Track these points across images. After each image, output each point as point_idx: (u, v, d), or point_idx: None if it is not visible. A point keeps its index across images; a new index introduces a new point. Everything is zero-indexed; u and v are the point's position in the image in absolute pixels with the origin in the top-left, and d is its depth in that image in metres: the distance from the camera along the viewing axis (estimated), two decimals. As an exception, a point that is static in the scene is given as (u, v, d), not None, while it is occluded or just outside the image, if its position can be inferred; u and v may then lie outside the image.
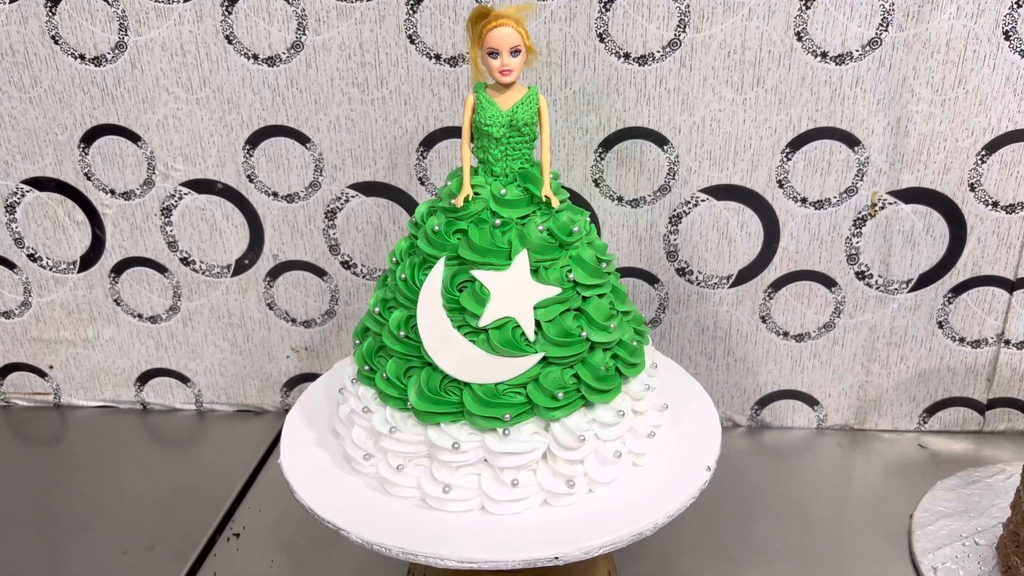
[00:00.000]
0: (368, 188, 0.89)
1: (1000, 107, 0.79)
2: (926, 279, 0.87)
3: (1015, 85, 0.78)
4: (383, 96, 0.84)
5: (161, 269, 0.95)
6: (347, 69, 0.84)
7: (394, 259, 0.63)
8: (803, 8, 0.77)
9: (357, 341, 0.67)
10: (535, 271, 0.58)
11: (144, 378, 1.02)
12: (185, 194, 0.91)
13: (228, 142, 0.88)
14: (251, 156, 0.89)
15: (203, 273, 0.95)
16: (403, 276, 0.60)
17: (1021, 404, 0.92)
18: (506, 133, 0.60)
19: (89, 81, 0.87)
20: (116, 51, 0.85)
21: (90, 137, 0.89)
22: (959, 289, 0.87)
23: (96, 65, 0.86)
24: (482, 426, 0.58)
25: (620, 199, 0.86)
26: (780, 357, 0.92)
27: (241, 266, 0.94)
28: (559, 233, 0.59)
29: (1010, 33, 0.76)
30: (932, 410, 0.93)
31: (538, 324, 0.58)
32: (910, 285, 0.87)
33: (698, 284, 0.90)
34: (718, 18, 0.78)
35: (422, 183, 0.88)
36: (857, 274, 0.87)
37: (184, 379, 1.01)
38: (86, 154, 0.90)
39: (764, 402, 0.95)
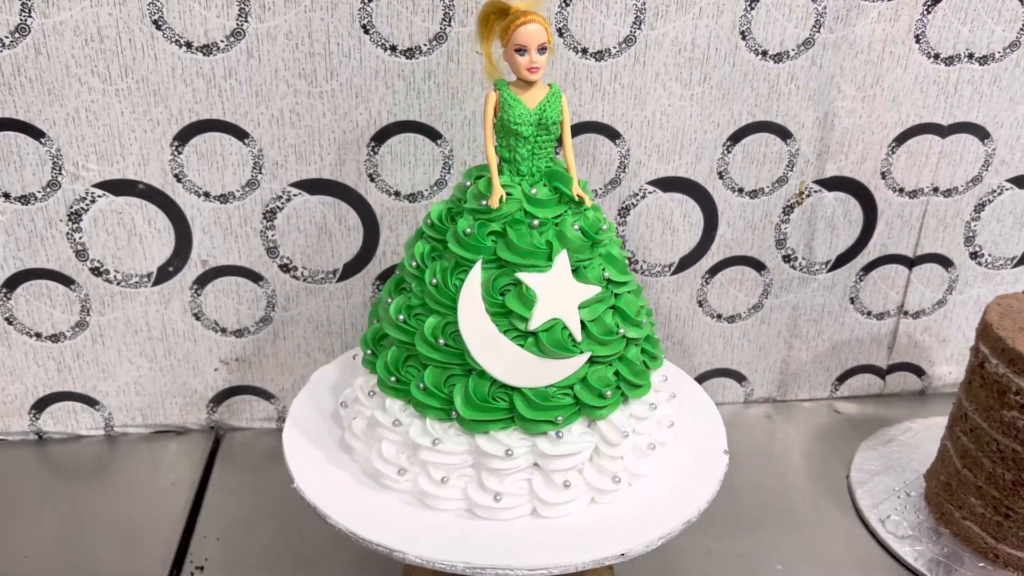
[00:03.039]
0: (313, 186, 0.84)
1: (909, 103, 0.88)
2: (842, 259, 0.95)
3: (922, 83, 0.87)
4: (332, 88, 0.80)
5: (66, 281, 0.85)
6: (293, 59, 0.78)
7: (413, 263, 0.61)
8: (748, 8, 0.82)
9: (369, 351, 0.63)
10: (575, 271, 0.58)
11: (41, 404, 0.90)
12: (99, 196, 0.82)
13: (153, 138, 0.80)
14: (180, 153, 0.81)
15: (118, 284, 0.85)
16: (434, 281, 0.58)
17: (915, 367, 1.03)
18: (534, 132, 0.59)
19: (-20, 69, 0.75)
20: (16, 35, 0.75)
21: (-21, 133, 0.78)
22: (869, 268, 0.96)
23: (-9, 51, 0.75)
24: (534, 430, 0.57)
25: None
26: (714, 338, 0.98)
27: (164, 274, 0.86)
28: (590, 231, 0.59)
29: (920, 37, 0.85)
30: (842, 378, 1.02)
31: (582, 324, 0.58)
32: (829, 266, 0.95)
33: (642, 273, 0.93)
34: (671, 16, 0.81)
35: (372, 179, 0.84)
36: (784, 257, 0.94)
37: (91, 402, 0.91)
38: (-26, 153, 0.78)
39: (698, 381, 0.99)
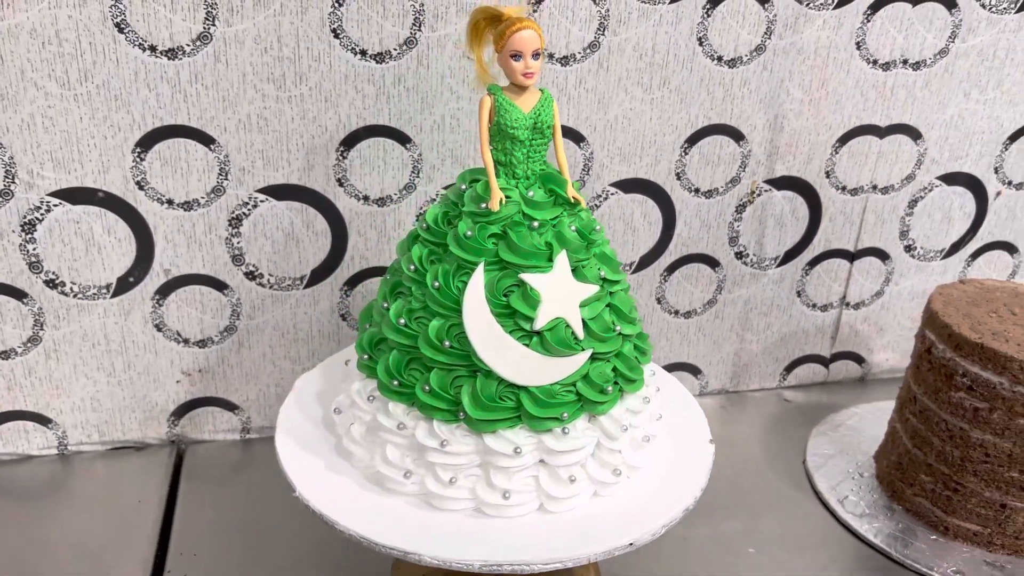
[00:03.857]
0: (280, 191, 0.83)
1: (851, 106, 0.93)
2: (790, 255, 1.00)
3: (863, 87, 0.93)
4: (301, 93, 0.79)
5: (18, 295, 0.81)
6: (262, 64, 0.77)
7: (412, 267, 0.61)
8: (705, 16, 0.85)
9: (366, 356, 0.63)
10: (574, 270, 0.59)
11: (-11, 425, 0.86)
12: (55, 205, 0.78)
13: (114, 145, 0.77)
14: (142, 160, 0.79)
15: (75, 296, 0.82)
16: (436, 284, 0.59)
17: (856, 355, 1.09)
18: (530, 136, 0.60)
19: (-73, 73, 0.72)
20: (-32, 37, 0.71)
21: (-75, 141, 0.74)
22: (814, 262, 1.01)
23: (-61, 54, 0.71)
24: (540, 427, 0.58)
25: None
26: (671, 333, 1.01)
27: (124, 284, 0.83)
28: (585, 232, 0.61)
29: (860, 44, 0.90)
30: (790, 368, 1.07)
31: (583, 322, 0.59)
32: (777, 261, 1.00)
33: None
34: (633, 23, 0.84)
35: (340, 184, 0.84)
36: (736, 254, 0.98)
37: (44, 420, 0.87)
38: (-82, 162, 0.74)
39: (656, 376, 1.03)
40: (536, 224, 0.59)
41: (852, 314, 1.06)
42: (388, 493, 0.60)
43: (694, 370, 1.04)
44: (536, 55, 0.59)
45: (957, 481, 0.81)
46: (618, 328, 0.61)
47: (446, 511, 0.59)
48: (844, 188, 0.98)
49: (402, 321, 0.60)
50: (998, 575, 0.79)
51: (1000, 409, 0.77)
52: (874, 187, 0.98)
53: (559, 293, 0.58)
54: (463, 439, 0.58)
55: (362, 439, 0.62)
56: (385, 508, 0.59)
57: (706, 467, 0.65)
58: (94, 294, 0.83)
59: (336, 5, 0.76)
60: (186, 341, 0.87)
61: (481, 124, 0.60)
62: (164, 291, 0.84)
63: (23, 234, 0.79)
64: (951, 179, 1.00)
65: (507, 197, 0.59)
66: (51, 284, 0.81)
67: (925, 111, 0.96)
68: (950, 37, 0.92)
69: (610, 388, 0.60)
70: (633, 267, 0.95)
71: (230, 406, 0.91)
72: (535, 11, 0.80)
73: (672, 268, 0.97)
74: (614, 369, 0.61)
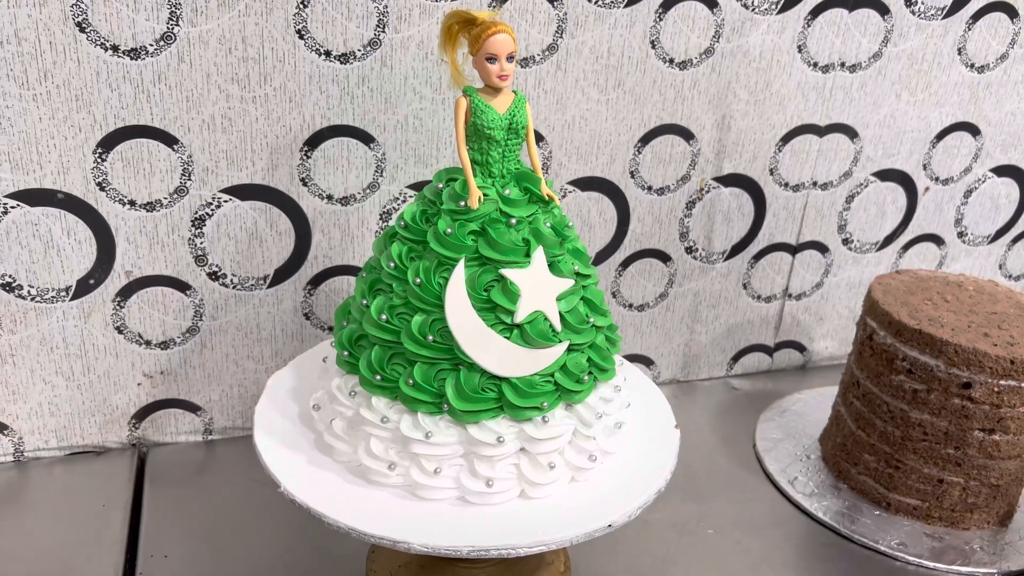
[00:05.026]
0: (244, 191, 0.83)
1: (793, 107, 0.98)
2: (737, 249, 1.04)
3: (803, 88, 0.97)
4: (266, 93, 0.80)
5: (-27, 299, 0.79)
6: (226, 64, 0.77)
7: (391, 264, 0.62)
8: (657, 20, 0.88)
9: (346, 353, 0.64)
10: (550, 265, 0.62)
11: (-59, 433, 0.84)
12: (12, 207, 0.77)
13: (74, 145, 0.77)
14: (104, 161, 0.78)
15: (32, 299, 0.81)
16: (417, 281, 0.60)
17: (798, 344, 1.14)
18: (505, 136, 0.62)
19: None
20: (-78, 36, 0.70)
21: None
22: (759, 256, 1.06)
23: None
24: (521, 416, 0.60)
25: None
26: (625, 327, 1.04)
27: (84, 287, 0.82)
28: (559, 228, 0.63)
29: (802, 47, 0.95)
30: (736, 357, 1.12)
31: (560, 315, 0.61)
32: (725, 255, 1.04)
33: (561, 268, 0.97)
34: (590, 26, 0.86)
35: (304, 184, 0.84)
36: (686, 249, 1.02)
37: (0, 427, 0.85)
38: None
39: (612, 368, 1.06)
40: (514, 221, 0.61)
41: (794, 305, 1.11)
42: (372, 485, 0.61)
43: (647, 361, 1.08)
44: (511, 58, 0.61)
45: (898, 459, 0.86)
46: (592, 320, 0.64)
47: (431, 500, 0.60)
48: (787, 185, 1.02)
49: (384, 317, 0.61)
50: (936, 545, 0.84)
51: (937, 390, 0.82)
52: (814, 183, 1.03)
53: (537, 287, 0.60)
54: (447, 430, 0.60)
55: (344, 433, 0.63)
56: (370, 499, 0.60)
57: (673, 451, 0.68)
58: (53, 297, 0.81)
59: (301, 6, 0.77)
60: (148, 343, 0.86)
61: (457, 125, 0.62)
62: (126, 293, 0.83)
63: (-21, 237, 0.77)
64: (884, 175, 1.06)
65: (485, 195, 0.61)
66: (8, 288, 0.80)
67: (861, 111, 1.01)
68: (883, 41, 0.98)
69: (585, 377, 0.62)
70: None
71: (192, 407, 0.91)
72: (496, 12, 0.82)
73: (626, 263, 1.00)
74: (589, 359, 0.63)
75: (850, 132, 1.02)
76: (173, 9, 0.74)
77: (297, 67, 0.79)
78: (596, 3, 0.85)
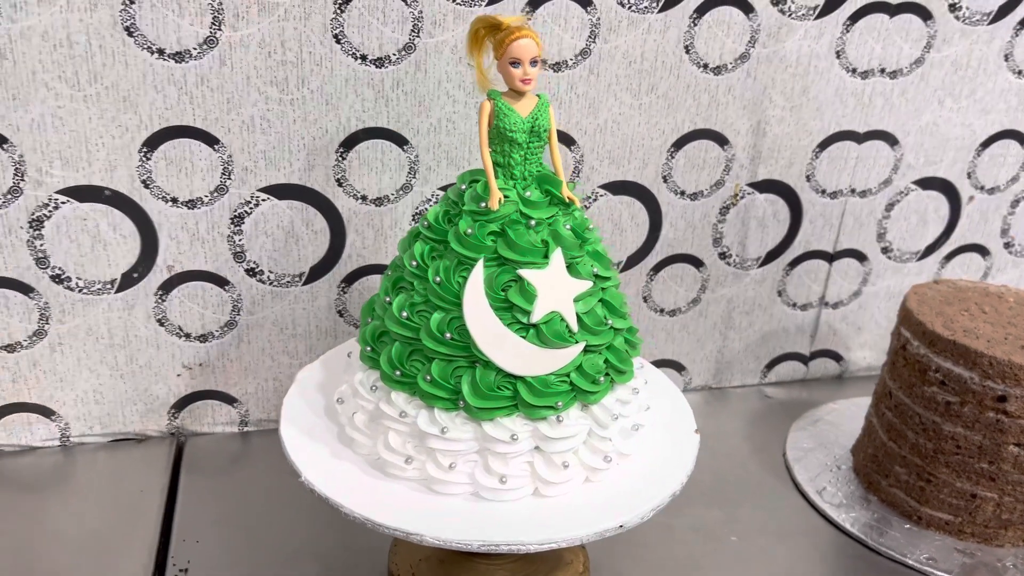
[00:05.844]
0: (281, 191, 0.85)
1: (830, 113, 0.97)
2: (772, 255, 1.04)
3: (842, 95, 0.96)
4: (303, 96, 0.82)
5: (25, 289, 0.83)
6: (266, 67, 0.80)
7: (414, 263, 0.64)
8: (691, 25, 0.88)
9: (369, 348, 0.66)
10: (569, 267, 0.62)
11: (-6, 417, 0.88)
12: (63, 203, 0.81)
13: (121, 144, 0.80)
14: (148, 159, 0.81)
15: (80, 291, 0.85)
16: (437, 279, 0.62)
17: (834, 353, 1.13)
18: (527, 139, 0.63)
19: (-59, 73, 0.74)
20: (-19, 39, 0.73)
21: (-63, 139, 0.76)
22: (794, 263, 1.05)
23: (-48, 54, 0.73)
24: (536, 415, 0.61)
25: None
26: (657, 331, 1.04)
27: (128, 280, 0.85)
28: (579, 230, 0.64)
29: (840, 53, 0.94)
30: (770, 365, 1.11)
31: (577, 316, 0.62)
32: (759, 262, 1.04)
33: (593, 271, 0.98)
34: (623, 31, 0.87)
35: (340, 184, 0.86)
36: (720, 255, 1.02)
37: (47, 412, 0.89)
38: (-70, 159, 0.77)
39: (643, 373, 1.06)
40: (533, 223, 0.62)
41: (831, 313, 1.10)
42: (389, 478, 0.63)
43: (678, 367, 1.07)
44: (534, 62, 0.62)
45: (930, 472, 0.85)
46: (610, 322, 0.64)
47: (445, 495, 0.62)
48: (824, 191, 1.01)
49: (404, 314, 0.63)
50: (968, 562, 0.82)
51: (971, 403, 0.81)
52: (852, 191, 1.02)
53: (554, 288, 0.61)
54: (462, 426, 0.61)
55: (365, 427, 0.64)
56: (387, 492, 0.62)
57: (692, 455, 0.68)
58: (99, 289, 0.85)
59: (338, 11, 0.79)
60: (187, 336, 0.89)
61: (481, 128, 0.63)
62: (167, 287, 0.87)
63: (31, 230, 0.81)
64: (926, 184, 1.04)
65: (505, 197, 0.62)
66: (57, 279, 0.83)
67: (901, 118, 1.00)
68: (926, 47, 0.96)
69: (602, 379, 0.63)
70: (621, 266, 0.99)
71: (229, 399, 0.94)
72: (529, 18, 0.83)
73: (658, 268, 1.00)
74: (606, 361, 0.64)
75: (890, 139, 1.00)
76: (216, 14, 0.77)
77: (334, 71, 0.81)
78: (630, 8, 0.86)
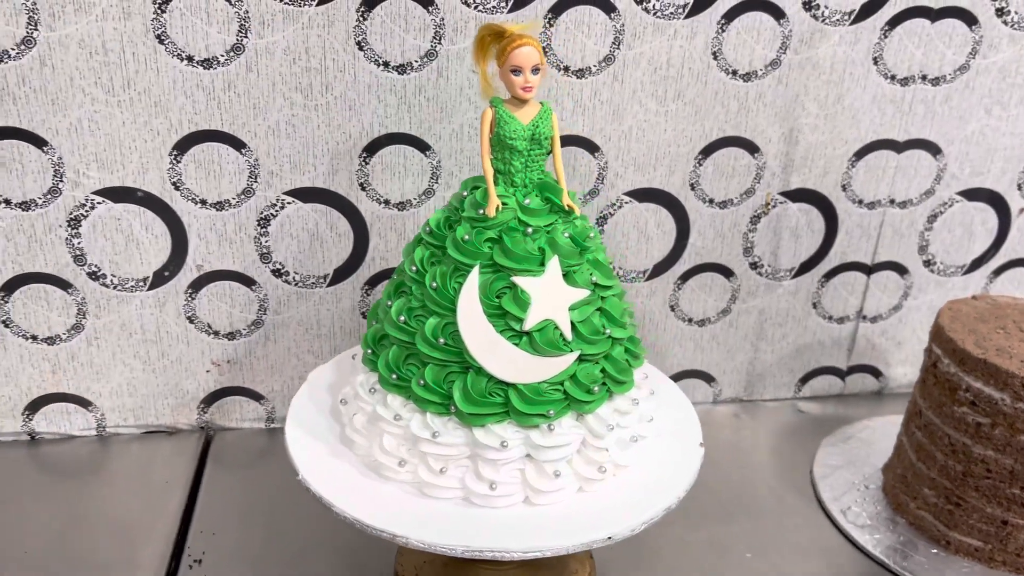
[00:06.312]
0: (306, 194, 0.87)
1: (867, 120, 0.94)
2: (806, 267, 1.01)
3: (879, 102, 0.93)
4: (327, 102, 0.84)
5: (64, 285, 0.87)
6: (291, 74, 0.82)
7: (413, 268, 0.65)
8: (719, 31, 0.87)
9: (370, 351, 0.67)
10: (566, 275, 0.62)
11: (35, 405, 0.93)
12: (98, 203, 0.84)
13: (152, 147, 0.83)
14: (178, 162, 0.84)
15: (115, 288, 0.88)
16: (434, 285, 0.62)
17: (872, 369, 1.09)
18: (528, 146, 0.63)
19: (-15, 79, 0.78)
20: (22, 47, 0.77)
21: (-18, 141, 0.80)
22: (830, 274, 1.02)
23: (-4, 61, 0.77)
24: (527, 423, 0.61)
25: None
26: (684, 341, 1.03)
27: (160, 278, 0.89)
28: (579, 239, 0.64)
29: (878, 59, 0.91)
30: (805, 379, 1.08)
31: (572, 324, 0.62)
32: (793, 272, 1.01)
33: (619, 278, 0.97)
34: (648, 37, 0.86)
35: (363, 188, 0.88)
36: (751, 264, 1.00)
37: (85, 403, 0.93)
38: (-24, 160, 0.81)
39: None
40: (530, 230, 0.62)
41: (869, 327, 1.06)
42: (384, 480, 0.64)
43: (708, 378, 1.06)
44: (536, 70, 0.62)
45: (959, 496, 0.82)
46: (608, 331, 0.64)
47: (437, 499, 0.62)
48: (861, 201, 0.98)
49: (402, 318, 0.63)
50: (997, 591, 0.79)
51: (1002, 425, 0.77)
52: (891, 201, 0.99)
53: (549, 296, 0.61)
54: (454, 431, 0.61)
55: (363, 429, 0.65)
56: (380, 494, 0.62)
57: (693, 469, 0.67)
58: (132, 286, 0.88)
59: (361, 19, 0.81)
60: (216, 333, 0.92)
61: (482, 135, 0.64)
62: (196, 285, 0.89)
63: (69, 229, 0.85)
64: (972, 195, 1.00)
65: (504, 204, 0.63)
66: (93, 276, 0.87)
67: (945, 127, 0.96)
68: (971, 53, 0.93)
69: (596, 388, 0.62)
70: (647, 275, 0.98)
71: (256, 396, 0.96)
72: (551, 25, 0.83)
73: (686, 276, 0.99)
74: (603, 371, 0.64)
75: (932, 148, 0.97)
76: (242, 22, 0.79)
77: (357, 77, 0.83)
78: (655, 14, 0.85)
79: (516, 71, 0.62)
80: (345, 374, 0.75)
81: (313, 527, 0.83)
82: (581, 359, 0.62)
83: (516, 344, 0.61)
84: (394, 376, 0.63)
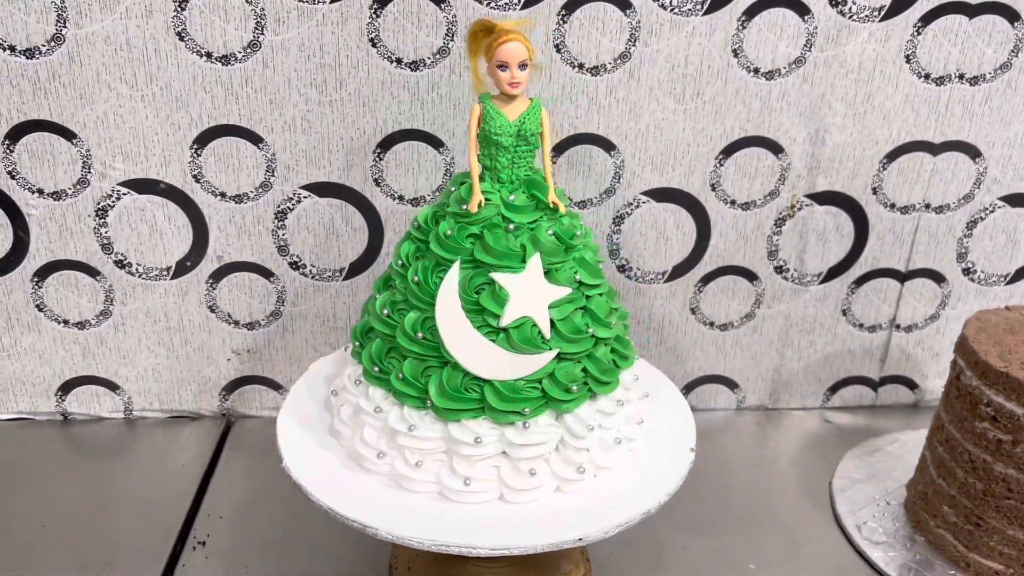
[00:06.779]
0: (321, 189, 0.89)
1: (900, 121, 0.90)
2: (834, 272, 0.98)
3: (913, 102, 0.90)
4: (341, 98, 0.85)
5: (92, 272, 0.91)
6: (305, 70, 0.84)
7: (399, 262, 0.65)
8: (740, 28, 0.85)
9: (357, 343, 0.68)
10: (547, 272, 0.62)
11: (67, 387, 0.97)
12: (124, 194, 0.88)
13: (174, 141, 0.86)
14: (199, 156, 0.86)
15: (140, 276, 0.91)
16: (416, 279, 0.62)
17: (907, 380, 1.05)
18: (514, 142, 0.63)
19: (19, 74, 0.82)
20: (52, 44, 0.81)
21: (16, 134, 0.84)
22: (860, 281, 0.98)
23: (28, 58, 0.81)
24: (502, 420, 0.61)
25: (568, 200, 0.91)
26: (706, 345, 1.01)
27: (182, 268, 0.91)
28: (564, 236, 0.63)
29: (911, 57, 0.87)
30: (834, 388, 1.05)
31: (552, 322, 0.61)
32: (820, 278, 0.98)
33: (636, 280, 0.96)
34: (665, 34, 0.85)
35: (377, 184, 0.89)
36: (776, 268, 0.97)
37: (113, 386, 0.97)
38: (11, 151, 0.85)
39: (691, 387, 1.03)
40: (512, 227, 0.62)
41: (903, 337, 1.02)
42: (364, 471, 0.64)
43: (731, 384, 1.03)
44: (523, 66, 0.62)
45: (979, 516, 0.78)
46: (591, 331, 0.63)
47: (413, 492, 0.62)
48: (893, 205, 0.95)
49: (385, 312, 0.64)
50: (1016, 618, 0.75)
51: (1023, 443, 0.73)
52: (927, 206, 0.95)
53: (528, 293, 0.61)
54: (430, 425, 0.62)
55: (348, 420, 0.66)
56: (358, 485, 0.63)
57: (679, 474, 0.65)
58: (156, 275, 0.91)
59: (374, 16, 0.82)
60: (236, 323, 0.95)
61: (470, 130, 0.64)
62: (217, 276, 0.92)
63: (97, 219, 0.88)
64: (1016, 200, 0.95)
65: (487, 200, 0.63)
66: (120, 264, 0.91)
67: (985, 128, 0.91)
68: (1013, 51, 0.88)
69: (575, 388, 0.62)
70: (666, 276, 0.96)
71: (275, 385, 0.99)
72: (564, 21, 0.83)
73: (707, 279, 0.97)
74: (584, 370, 0.63)
75: (971, 151, 0.92)
76: (258, 20, 0.81)
77: (370, 73, 0.84)
78: (672, 11, 0.83)
79: (503, 66, 0.62)
80: (341, 366, 0.76)
81: (316, 517, 0.84)
82: (560, 358, 0.62)
83: (493, 340, 0.60)
84: (376, 369, 0.64)
